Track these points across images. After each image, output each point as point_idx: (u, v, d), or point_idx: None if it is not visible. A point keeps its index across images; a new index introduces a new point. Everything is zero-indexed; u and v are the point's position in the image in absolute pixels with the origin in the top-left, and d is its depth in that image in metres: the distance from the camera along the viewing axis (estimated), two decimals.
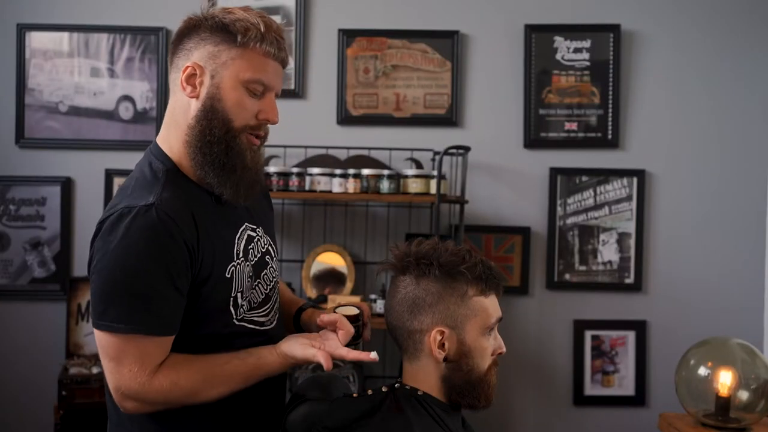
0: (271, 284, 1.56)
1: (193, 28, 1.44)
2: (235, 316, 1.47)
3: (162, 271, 1.34)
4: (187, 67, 1.42)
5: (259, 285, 1.52)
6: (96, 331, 1.37)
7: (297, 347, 1.42)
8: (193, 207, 1.41)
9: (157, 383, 1.35)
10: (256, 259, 1.52)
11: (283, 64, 1.50)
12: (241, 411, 1.49)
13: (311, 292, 3.07)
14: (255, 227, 1.54)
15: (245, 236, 1.50)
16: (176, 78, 1.45)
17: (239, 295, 1.47)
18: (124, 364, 1.35)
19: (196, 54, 1.42)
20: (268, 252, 1.56)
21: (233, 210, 1.50)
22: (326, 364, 1.39)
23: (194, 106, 1.43)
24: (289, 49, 3.15)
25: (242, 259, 1.48)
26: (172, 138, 1.46)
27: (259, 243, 1.54)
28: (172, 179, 1.43)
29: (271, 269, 1.57)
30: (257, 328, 1.51)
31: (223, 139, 1.42)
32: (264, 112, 1.45)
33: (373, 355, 1.39)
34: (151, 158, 1.47)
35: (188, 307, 1.40)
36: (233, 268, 1.45)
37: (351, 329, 1.46)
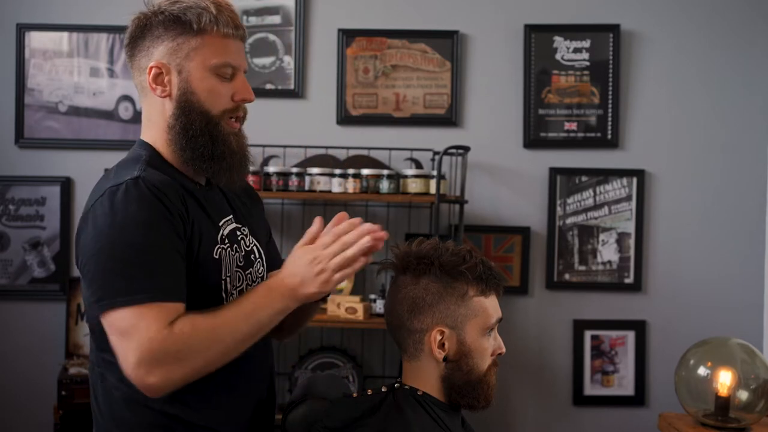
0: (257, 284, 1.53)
1: (145, 26, 1.43)
2: (225, 302, 1.43)
3: (162, 237, 1.33)
4: (151, 67, 1.41)
5: (248, 278, 1.51)
6: (104, 316, 1.30)
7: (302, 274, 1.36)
8: (178, 184, 1.41)
9: (177, 329, 1.28)
10: (244, 252, 1.50)
11: (243, 40, 1.48)
12: (231, 411, 1.47)
13: None
14: (240, 226, 1.54)
15: (229, 226, 1.49)
16: (143, 80, 1.45)
17: (228, 280, 1.45)
18: (140, 329, 1.27)
19: (156, 52, 1.42)
20: (253, 252, 1.55)
21: (217, 199, 1.51)
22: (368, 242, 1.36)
23: (168, 105, 1.43)
24: (289, 49, 3.15)
25: (228, 245, 1.46)
26: (156, 137, 1.46)
27: (244, 241, 1.52)
28: (154, 162, 1.43)
29: (258, 269, 1.55)
30: None
31: (205, 130, 1.42)
32: (238, 93, 1.45)
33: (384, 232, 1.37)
34: (133, 150, 1.48)
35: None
36: (220, 250, 1.44)
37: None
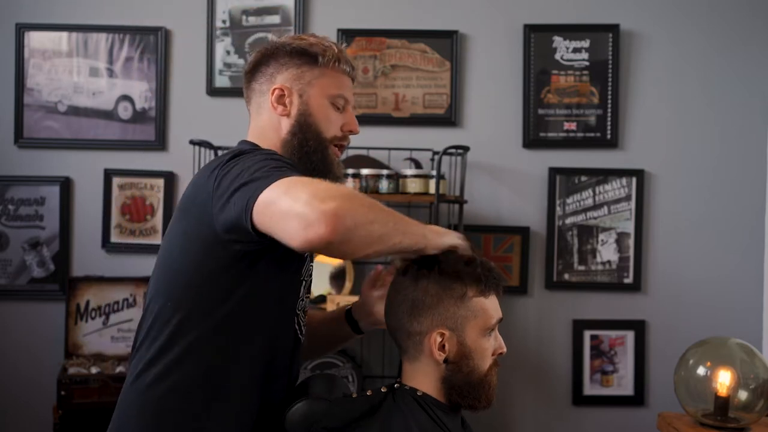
0: (306, 307, 1.64)
1: (270, 56, 1.58)
2: (299, 298, 1.56)
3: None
4: (275, 89, 1.55)
5: (309, 270, 1.61)
6: (261, 197, 1.29)
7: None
8: None
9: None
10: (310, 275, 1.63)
11: (354, 80, 1.64)
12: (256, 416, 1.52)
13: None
14: None
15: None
16: (262, 101, 1.57)
17: (303, 266, 1.55)
18: (305, 180, 1.31)
19: (280, 78, 1.56)
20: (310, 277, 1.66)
21: None
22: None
23: (286, 123, 1.55)
24: None
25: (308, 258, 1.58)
26: (265, 146, 1.55)
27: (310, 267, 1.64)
28: None
29: (310, 262, 1.62)
30: (299, 333, 1.58)
31: (318, 149, 1.55)
32: (348, 124, 1.59)
33: None
34: (239, 147, 1.54)
35: (277, 270, 1.46)
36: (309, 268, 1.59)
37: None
